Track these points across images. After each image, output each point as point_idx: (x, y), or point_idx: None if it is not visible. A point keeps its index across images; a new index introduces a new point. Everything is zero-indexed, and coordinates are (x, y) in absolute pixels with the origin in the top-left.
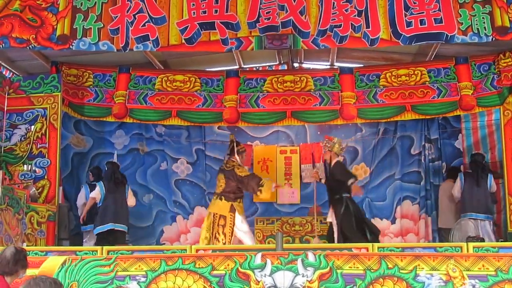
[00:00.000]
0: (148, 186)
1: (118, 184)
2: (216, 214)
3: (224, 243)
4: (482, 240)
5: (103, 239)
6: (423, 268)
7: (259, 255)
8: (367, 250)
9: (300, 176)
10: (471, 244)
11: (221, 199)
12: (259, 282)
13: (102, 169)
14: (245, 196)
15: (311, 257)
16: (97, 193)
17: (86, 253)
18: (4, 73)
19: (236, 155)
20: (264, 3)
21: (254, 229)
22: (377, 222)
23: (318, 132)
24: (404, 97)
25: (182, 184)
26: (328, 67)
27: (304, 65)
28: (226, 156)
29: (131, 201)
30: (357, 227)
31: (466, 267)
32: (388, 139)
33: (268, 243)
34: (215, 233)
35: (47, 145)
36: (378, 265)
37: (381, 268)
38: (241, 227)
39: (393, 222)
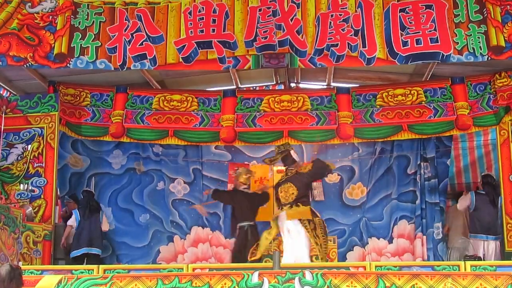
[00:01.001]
0: (145, 206)
1: (92, 211)
2: (303, 220)
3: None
4: (480, 259)
5: (78, 262)
6: (420, 287)
7: (256, 273)
8: (365, 269)
9: None
10: (468, 263)
11: (298, 205)
12: None
13: (78, 196)
14: None
15: (308, 275)
16: (73, 220)
17: (82, 272)
18: (1, 92)
19: (295, 157)
20: (261, 22)
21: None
22: (374, 241)
23: (315, 152)
24: (401, 116)
25: (179, 204)
26: (325, 87)
27: (301, 85)
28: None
29: (105, 226)
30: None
31: (464, 285)
32: (385, 159)
33: (265, 262)
34: (315, 239)
35: (43, 165)
36: (376, 283)
37: (378, 287)
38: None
39: (390, 241)
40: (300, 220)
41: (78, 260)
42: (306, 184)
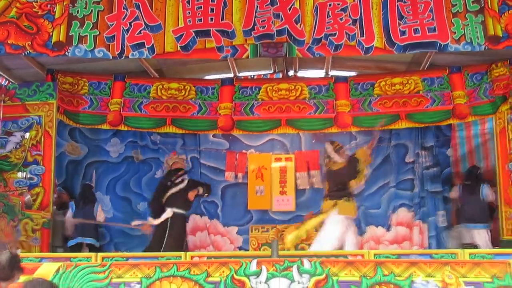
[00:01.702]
0: (143, 194)
1: (87, 201)
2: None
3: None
4: (476, 247)
5: (75, 252)
6: (419, 275)
7: (255, 261)
8: (363, 257)
9: (295, 183)
10: (467, 251)
11: (348, 200)
12: None
13: (75, 187)
14: (239, 204)
15: (306, 264)
16: (70, 213)
17: (80, 260)
18: (0, 81)
19: (331, 154)
20: (259, 11)
21: (249, 237)
22: (372, 230)
23: (313, 141)
24: (398, 105)
25: None
26: (323, 75)
27: (299, 74)
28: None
29: (100, 216)
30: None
31: (462, 274)
32: (382, 148)
33: (263, 250)
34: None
35: (42, 153)
36: (374, 272)
37: (377, 275)
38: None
39: (388, 229)
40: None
41: (75, 249)
42: (336, 181)
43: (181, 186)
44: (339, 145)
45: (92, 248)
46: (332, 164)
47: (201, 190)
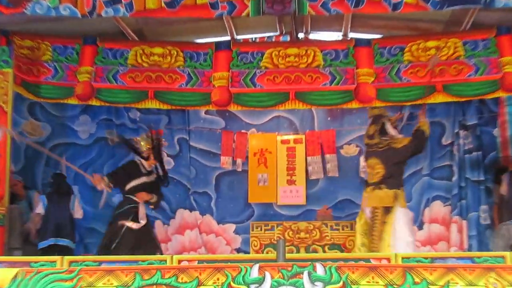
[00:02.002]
0: None
1: (61, 195)
2: (377, 208)
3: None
4: None
5: (47, 255)
6: (457, 283)
7: (256, 267)
8: (389, 261)
9: (306, 171)
10: None
11: (380, 188)
12: None
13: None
14: (237, 196)
15: (320, 269)
16: (41, 207)
17: (42, 265)
18: None
19: (390, 130)
20: None
21: (249, 236)
22: None
23: (328, 118)
24: (434, 75)
25: None
26: (341, 38)
27: (311, 36)
28: (376, 137)
29: (78, 212)
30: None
31: (511, 281)
32: (413, 127)
33: (267, 253)
34: (376, 234)
35: None
36: (403, 279)
37: (406, 283)
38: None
39: (420, 227)
40: (374, 208)
41: (48, 253)
42: (397, 163)
43: (152, 178)
44: (398, 116)
45: (65, 251)
46: (393, 143)
47: (154, 198)
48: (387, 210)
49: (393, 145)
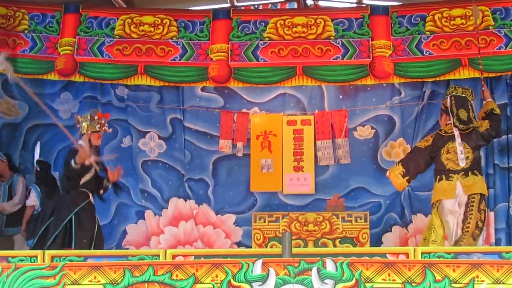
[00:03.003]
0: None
1: (55, 187)
2: (474, 194)
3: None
4: None
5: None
6: (483, 281)
7: (259, 263)
8: (407, 257)
9: (315, 156)
10: None
11: (475, 174)
12: None
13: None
14: (238, 183)
15: (330, 265)
16: (34, 199)
17: (21, 260)
18: None
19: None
20: None
21: (251, 229)
22: (420, 219)
23: (340, 96)
24: (459, 47)
25: (153, 167)
26: (355, 5)
27: (321, 3)
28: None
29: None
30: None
31: None
32: (436, 106)
33: (271, 247)
34: (475, 223)
35: None
36: (422, 276)
37: (426, 281)
38: None
39: None
40: (473, 195)
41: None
42: (479, 147)
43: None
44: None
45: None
46: (476, 126)
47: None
48: (483, 197)
49: (477, 129)
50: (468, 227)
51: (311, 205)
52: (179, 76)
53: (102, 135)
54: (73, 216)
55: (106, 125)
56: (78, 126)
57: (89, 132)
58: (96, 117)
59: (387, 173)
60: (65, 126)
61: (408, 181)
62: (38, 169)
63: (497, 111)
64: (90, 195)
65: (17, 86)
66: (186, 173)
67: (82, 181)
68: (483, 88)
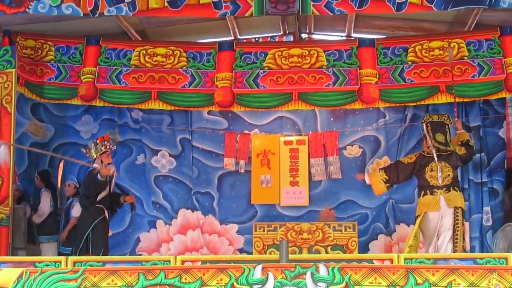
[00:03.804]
0: (122, 183)
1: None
2: (458, 208)
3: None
4: None
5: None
6: (459, 284)
7: (259, 267)
8: (391, 262)
9: (309, 172)
10: None
11: (455, 189)
12: None
13: (50, 173)
14: (240, 196)
15: (322, 270)
16: (78, 211)
17: (47, 265)
18: None
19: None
20: None
21: (252, 237)
22: (403, 228)
23: (331, 119)
24: (438, 75)
25: (164, 182)
26: (344, 38)
27: (315, 36)
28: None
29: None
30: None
31: None
32: (417, 127)
33: (270, 253)
34: (459, 233)
35: None
36: (405, 280)
37: (408, 284)
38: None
39: None
40: (458, 208)
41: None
42: (457, 167)
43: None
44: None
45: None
46: (455, 149)
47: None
48: (463, 211)
49: (456, 152)
50: (457, 241)
51: (306, 216)
52: (188, 101)
53: (110, 153)
54: (90, 229)
55: (110, 143)
56: (88, 155)
57: (99, 155)
58: (98, 142)
59: (367, 177)
60: (83, 145)
61: (388, 188)
62: (38, 177)
63: (472, 143)
64: (106, 211)
65: (45, 110)
66: (193, 187)
67: (99, 198)
68: (455, 119)
